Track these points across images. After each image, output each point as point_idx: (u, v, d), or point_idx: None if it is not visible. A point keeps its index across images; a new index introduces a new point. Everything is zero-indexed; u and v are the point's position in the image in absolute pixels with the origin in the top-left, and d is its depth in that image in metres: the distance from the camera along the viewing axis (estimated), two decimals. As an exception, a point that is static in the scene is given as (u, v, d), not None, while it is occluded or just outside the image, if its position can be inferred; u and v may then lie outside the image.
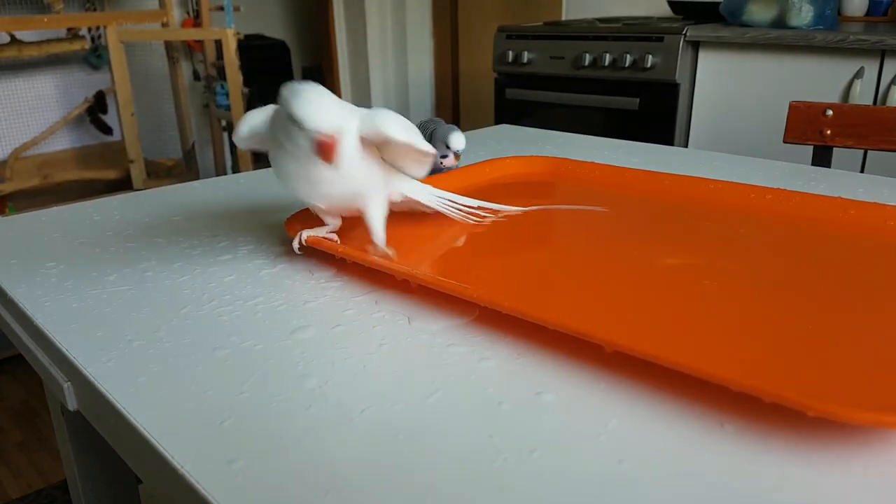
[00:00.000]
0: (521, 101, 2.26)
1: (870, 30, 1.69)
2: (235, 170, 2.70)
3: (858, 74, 1.62)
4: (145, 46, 2.65)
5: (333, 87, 3.72)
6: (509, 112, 2.29)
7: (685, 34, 1.84)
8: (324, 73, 3.81)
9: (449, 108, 3.59)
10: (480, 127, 1.11)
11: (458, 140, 0.69)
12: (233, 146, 2.63)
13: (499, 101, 2.33)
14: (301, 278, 0.51)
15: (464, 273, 0.52)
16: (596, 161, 0.75)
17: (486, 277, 0.51)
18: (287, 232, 0.56)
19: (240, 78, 2.36)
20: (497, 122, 2.18)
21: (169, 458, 0.32)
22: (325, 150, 0.45)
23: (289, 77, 4.01)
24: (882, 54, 1.59)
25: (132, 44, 2.56)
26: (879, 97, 1.61)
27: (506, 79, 2.28)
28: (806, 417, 0.31)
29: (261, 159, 3.44)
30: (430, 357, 0.40)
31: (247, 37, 2.60)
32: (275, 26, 4.32)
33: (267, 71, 3.89)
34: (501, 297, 0.43)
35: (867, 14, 1.97)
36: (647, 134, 1.94)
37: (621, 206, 0.67)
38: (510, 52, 2.22)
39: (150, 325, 0.45)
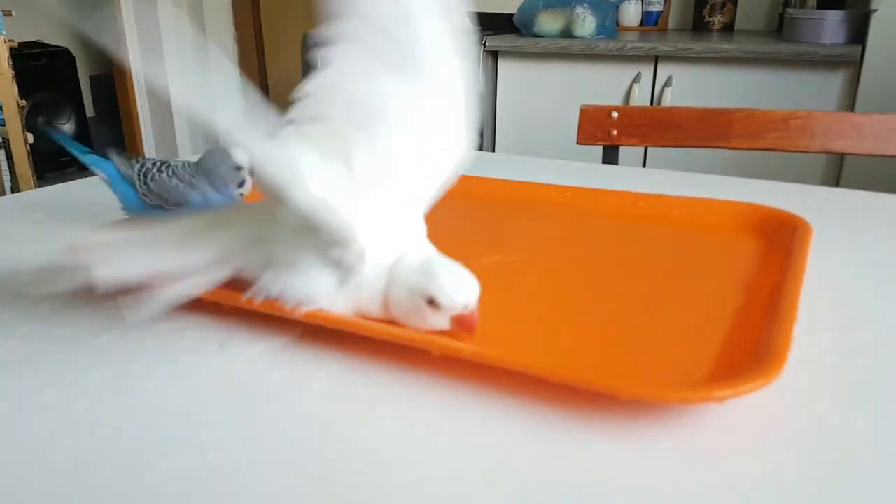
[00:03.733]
0: (332, 108, 2.23)
1: (644, 38, 1.88)
2: (15, 190, 2.41)
3: (637, 79, 1.80)
4: None
5: (127, 98, 3.45)
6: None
7: (484, 44, 1.93)
8: (115, 83, 3.51)
9: (259, 117, 3.46)
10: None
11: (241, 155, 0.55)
12: (11, 163, 2.33)
13: (311, 110, 2.29)
14: (90, 310, 0.46)
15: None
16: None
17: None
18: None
19: (14, 89, 2.11)
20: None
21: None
22: (470, 324, 0.39)
23: (74, 87, 3.65)
24: (655, 60, 1.77)
25: None
26: (655, 98, 1.80)
27: (315, 87, 2.25)
28: (620, 401, 0.33)
29: (45, 177, 3.09)
30: (249, 385, 0.38)
31: (22, 44, 2.34)
32: (55, 33, 3.92)
33: (48, 81, 3.53)
34: (325, 312, 0.41)
35: (641, 24, 2.19)
36: (457, 138, 2.01)
37: (436, 209, 0.68)
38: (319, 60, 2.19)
39: None
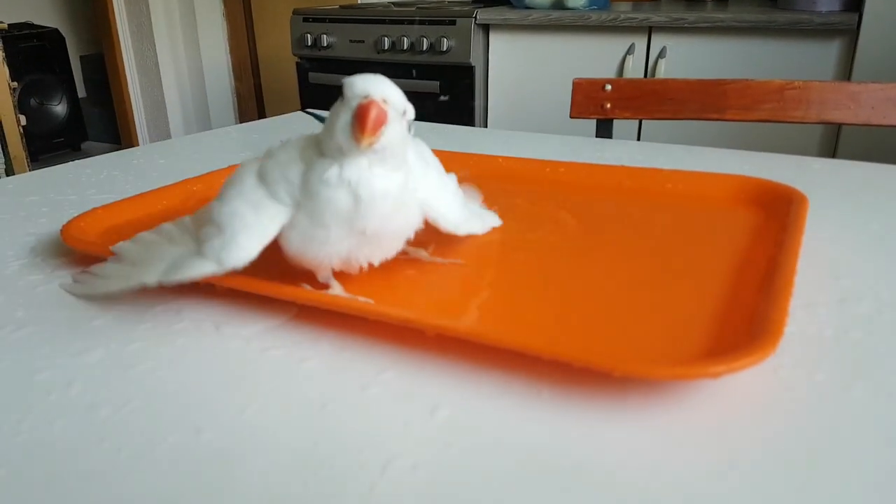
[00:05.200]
0: (325, 85, 2.22)
1: (637, 9, 1.86)
2: (10, 172, 2.40)
3: (630, 50, 1.78)
4: None
5: (118, 77, 3.41)
6: (315, 97, 2.24)
7: (475, 17, 1.90)
8: (105, 62, 3.48)
9: (251, 93, 3.44)
10: (288, 113, 1.07)
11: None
12: (4, 146, 2.32)
13: (303, 86, 2.27)
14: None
15: (273, 268, 0.50)
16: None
17: (297, 272, 0.49)
18: (63, 240, 0.50)
19: (6, 71, 2.09)
20: (304, 108, 2.13)
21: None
22: (363, 115, 0.36)
23: (66, 68, 3.61)
24: (649, 31, 1.75)
25: None
26: (649, 70, 1.78)
27: (308, 63, 2.23)
28: (613, 377, 0.33)
29: (39, 159, 3.07)
30: (243, 366, 0.38)
31: (11, 26, 2.31)
32: (45, 13, 3.87)
33: (39, 62, 3.49)
34: (319, 292, 0.41)
35: (634, -5, 2.16)
36: (450, 116, 2.00)
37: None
38: (309, 36, 2.17)
39: None
